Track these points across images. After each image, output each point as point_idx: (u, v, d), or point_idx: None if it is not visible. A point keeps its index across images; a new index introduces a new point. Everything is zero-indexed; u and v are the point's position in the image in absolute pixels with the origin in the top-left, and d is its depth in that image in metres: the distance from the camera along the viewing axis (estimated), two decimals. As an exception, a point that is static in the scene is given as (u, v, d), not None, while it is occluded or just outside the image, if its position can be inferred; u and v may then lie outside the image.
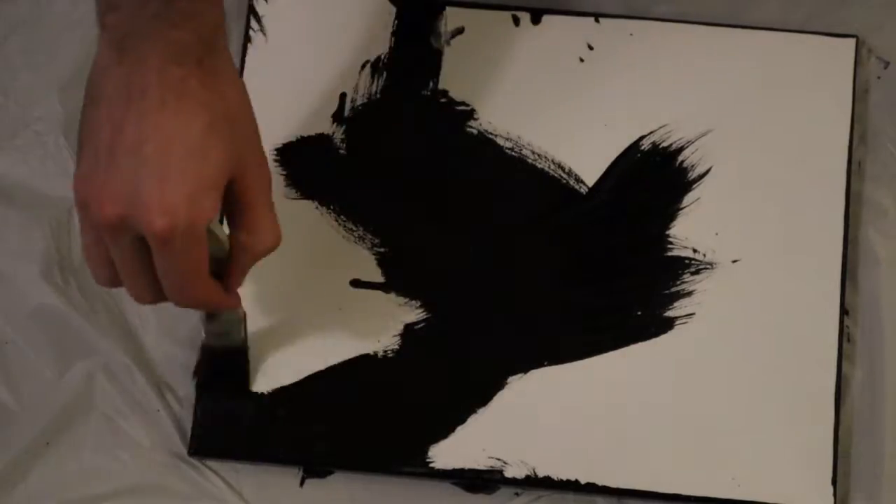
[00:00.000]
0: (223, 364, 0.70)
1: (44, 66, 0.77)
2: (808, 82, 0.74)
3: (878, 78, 0.76)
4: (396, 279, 0.72)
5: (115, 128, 0.54)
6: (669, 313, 0.71)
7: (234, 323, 0.67)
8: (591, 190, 0.73)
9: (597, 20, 0.75)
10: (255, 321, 0.70)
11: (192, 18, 0.54)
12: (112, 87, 0.55)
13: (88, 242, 0.57)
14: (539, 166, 0.73)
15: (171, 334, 0.73)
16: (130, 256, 0.56)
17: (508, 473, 0.69)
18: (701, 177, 0.73)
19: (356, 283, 0.72)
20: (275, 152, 0.74)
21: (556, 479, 0.69)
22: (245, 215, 0.58)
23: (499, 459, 0.69)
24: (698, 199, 0.73)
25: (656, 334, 0.71)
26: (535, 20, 0.75)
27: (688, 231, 0.72)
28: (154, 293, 0.58)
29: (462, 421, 0.70)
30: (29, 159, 0.75)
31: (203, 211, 0.55)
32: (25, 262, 0.74)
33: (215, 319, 0.66)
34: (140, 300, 0.59)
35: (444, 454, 0.69)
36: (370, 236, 0.72)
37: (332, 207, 0.73)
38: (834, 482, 0.68)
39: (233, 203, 0.57)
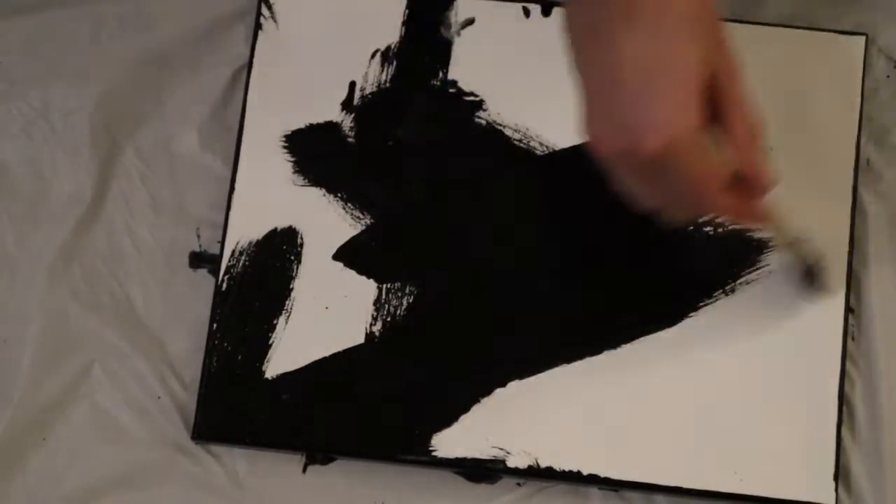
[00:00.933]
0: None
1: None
2: (817, 80, 0.74)
3: (888, 77, 0.76)
4: (402, 267, 0.72)
5: (586, 69, 0.57)
6: (673, 309, 0.71)
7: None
8: (597, 183, 0.73)
9: (607, 14, 0.75)
10: (262, 309, 0.71)
11: None
12: (574, 34, 0.58)
13: (620, 177, 0.58)
14: (547, 158, 0.73)
15: (176, 320, 0.73)
16: (647, 180, 0.57)
17: (511, 463, 0.69)
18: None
19: (357, 268, 0.72)
20: (283, 139, 0.74)
21: (558, 469, 0.69)
22: (729, 109, 0.58)
23: (501, 449, 0.69)
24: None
25: (659, 329, 0.71)
26: (546, 12, 0.75)
27: (691, 227, 0.72)
28: (685, 206, 0.60)
29: (465, 410, 0.70)
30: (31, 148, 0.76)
31: (693, 118, 0.55)
32: (29, 250, 0.74)
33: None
34: (675, 218, 0.61)
35: (446, 443, 0.69)
36: (377, 224, 0.73)
37: (339, 195, 0.73)
38: (836, 478, 0.68)
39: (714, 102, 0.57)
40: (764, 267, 0.72)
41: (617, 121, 0.55)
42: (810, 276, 0.69)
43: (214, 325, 0.71)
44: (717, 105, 0.57)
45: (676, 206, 0.60)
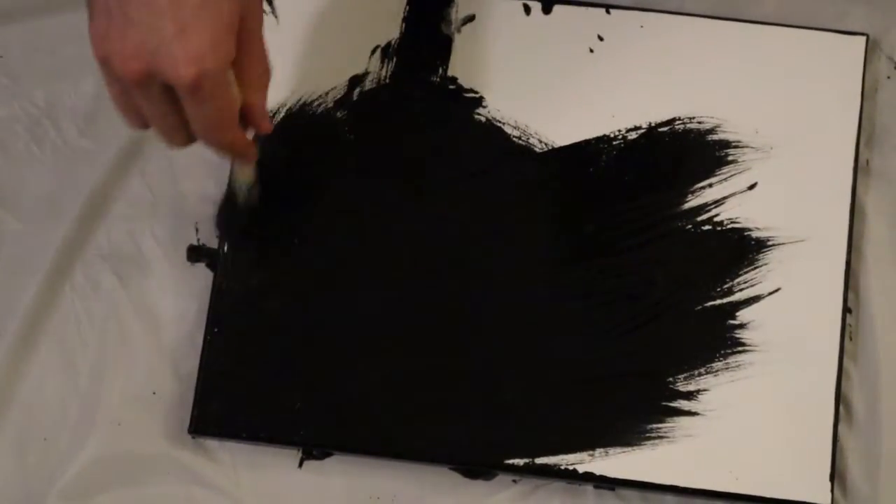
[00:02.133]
0: (239, 217, 0.71)
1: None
2: (816, 79, 0.74)
3: (888, 77, 0.76)
4: (401, 263, 0.72)
5: None
6: (669, 306, 0.71)
7: (249, 182, 0.69)
8: (595, 179, 0.73)
9: (608, 11, 0.75)
10: (260, 305, 0.71)
11: None
12: None
13: (115, 93, 0.58)
14: (546, 155, 0.73)
15: (173, 314, 0.73)
16: (159, 103, 0.57)
17: (507, 460, 0.69)
18: (706, 172, 0.73)
19: (352, 265, 0.72)
20: (282, 135, 0.74)
21: (554, 467, 0.69)
22: (251, 51, 0.58)
23: (498, 446, 0.69)
24: (702, 194, 0.73)
25: (656, 328, 0.71)
26: (547, 10, 0.75)
27: (690, 225, 0.72)
28: (185, 136, 0.59)
29: (462, 406, 0.70)
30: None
31: (227, 54, 0.56)
32: (32, 246, 0.74)
33: (239, 173, 0.68)
34: (172, 144, 0.60)
35: (442, 439, 0.69)
36: (374, 220, 0.73)
37: (338, 192, 0.73)
38: (832, 478, 0.68)
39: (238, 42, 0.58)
40: (763, 266, 0.72)
41: (146, 44, 0.54)
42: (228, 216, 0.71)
43: (211, 319, 0.71)
44: (238, 45, 0.57)
45: (170, 131, 0.59)
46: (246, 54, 0.58)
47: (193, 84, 0.55)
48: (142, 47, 0.54)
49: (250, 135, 0.63)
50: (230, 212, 0.70)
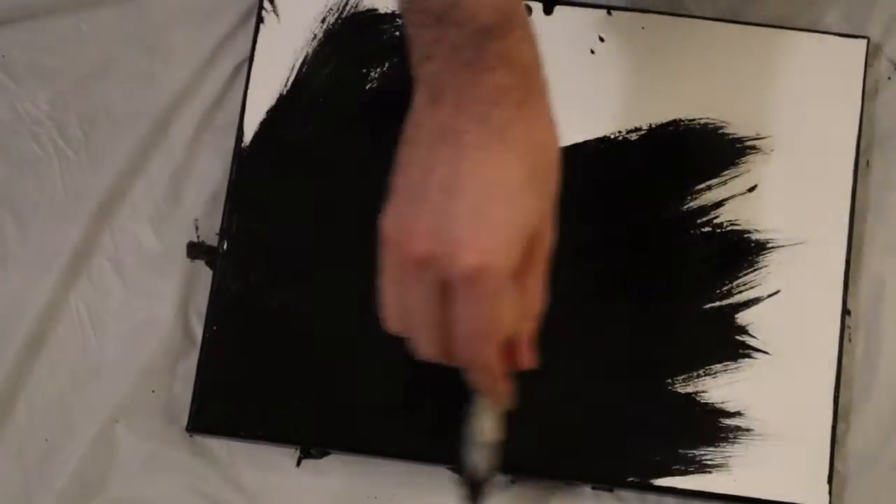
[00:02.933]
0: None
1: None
2: (817, 81, 0.74)
3: (889, 79, 0.76)
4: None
5: (428, 167, 0.53)
6: (668, 308, 0.71)
7: (492, 433, 0.61)
8: (595, 180, 0.73)
9: (609, 13, 0.75)
10: (259, 303, 0.71)
11: (508, 60, 0.53)
12: (427, 131, 0.54)
13: (389, 282, 0.56)
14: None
15: (172, 312, 0.73)
16: (428, 296, 0.54)
17: (505, 460, 0.69)
18: (706, 174, 0.73)
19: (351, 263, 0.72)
20: (283, 134, 0.74)
21: (552, 467, 0.69)
22: (532, 274, 0.56)
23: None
24: (702, 195, 0.73)
25: (655, 330, 0.71)
26: (548, 10, 0.75)
27: (690, 227, 0.72)
28: (441, 345, 0.56)
29: (461, 407, 0.70)
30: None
31: (514, 257, 0.53)
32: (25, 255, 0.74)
33: (482, 417, 0.61)
34: (425, 352, 0.57)
35: (440, 439, 0.69)
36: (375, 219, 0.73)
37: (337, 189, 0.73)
38: (829, 480, 0.68)
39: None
40: (763, 268, 0.72)
41: (437, 226, 0.53)
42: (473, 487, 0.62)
43: (210, 317, 0.71)
44: (522, 263, 0.55)
45: (428, 333, 0.56)
46: (526, 276, 0.56)
47: (472, 275, 0.52)
48: (432, 228, 0.53)
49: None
50: (470, 463, 0.62)
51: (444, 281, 0.53)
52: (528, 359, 0.59)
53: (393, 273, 0.55)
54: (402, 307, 0.56)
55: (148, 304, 0.73)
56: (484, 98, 0.53)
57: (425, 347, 0.57)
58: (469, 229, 0.52)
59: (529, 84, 0.54)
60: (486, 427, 0.61)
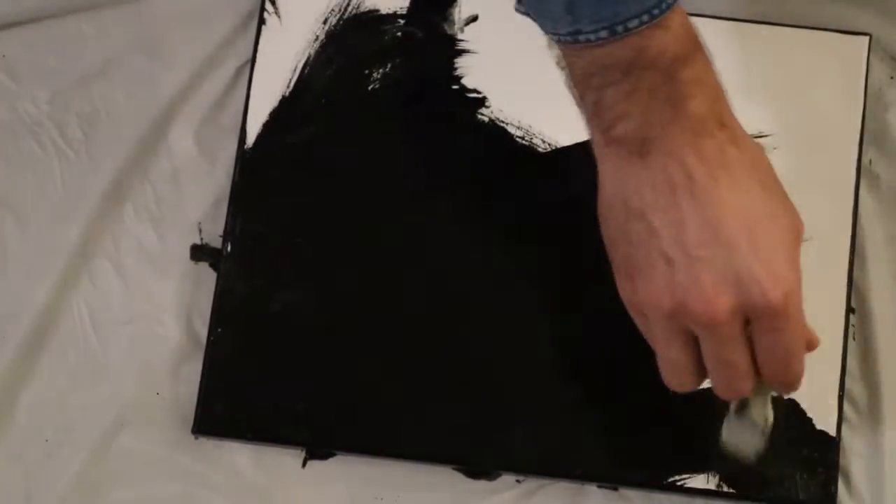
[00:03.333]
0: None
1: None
2: (819, 79, 0.74)
3: (892, 78, 0.76)
4: (402, 264, 0.72)
5: (676, 225, 0.53)
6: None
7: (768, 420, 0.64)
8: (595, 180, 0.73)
9: (611, 11, 0.75)
10: (263, 305, 0.71)
11: (701, 84, 0.53)
12: (649, 191, 0.53)
13: (676, 351, 0.56)
14: (549, 156, 0.73)
15: (177, 314, 0.73)
16: (738, 343, 0.55)
17: (509, 460, 0.69)
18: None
19: (354, 263, 0.72)
20: (285, 134, 0.74)
21: (557, 466, 0.69)
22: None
23: (501, 445, 0.69)
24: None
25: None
26: (550, 10, 0.75)
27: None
28: (751, 379, 0.57)
29: (465, 406, 0.70)
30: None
31: (800, 270, 0.54)
32: (26, 256, 0.74)
33: (757, 412, 0.63)
34: (733, 391, 0.58)
35: (446, 439, 0.69)
36: (376, 220, 0.73)
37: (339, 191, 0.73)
38: (835, 478, 0.69)
39: None
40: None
41: (726, 278, 0.53)
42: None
43: (215, 319, 0.71)
44: None
45: (737, 377, 0.57)
46: None
47: (782, 306, 0.53)
48: (722, 282, 0.53)
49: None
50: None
51: (748, 321, 0.54)
52: (816, 340, 0.59)
53: (679, 340, 0.56)
54: (695, 367, 0.57)
55: (149, 306, 0.73)
56: (692, 131, 0.53)
57: (735, 387, 0.57)
58: (759, 266, 0.53)
59: (721, 104, 0.55)
60: (768, 413, 0.63)
